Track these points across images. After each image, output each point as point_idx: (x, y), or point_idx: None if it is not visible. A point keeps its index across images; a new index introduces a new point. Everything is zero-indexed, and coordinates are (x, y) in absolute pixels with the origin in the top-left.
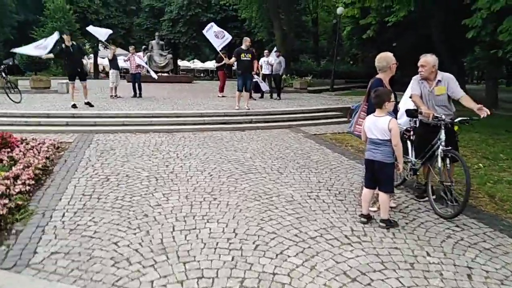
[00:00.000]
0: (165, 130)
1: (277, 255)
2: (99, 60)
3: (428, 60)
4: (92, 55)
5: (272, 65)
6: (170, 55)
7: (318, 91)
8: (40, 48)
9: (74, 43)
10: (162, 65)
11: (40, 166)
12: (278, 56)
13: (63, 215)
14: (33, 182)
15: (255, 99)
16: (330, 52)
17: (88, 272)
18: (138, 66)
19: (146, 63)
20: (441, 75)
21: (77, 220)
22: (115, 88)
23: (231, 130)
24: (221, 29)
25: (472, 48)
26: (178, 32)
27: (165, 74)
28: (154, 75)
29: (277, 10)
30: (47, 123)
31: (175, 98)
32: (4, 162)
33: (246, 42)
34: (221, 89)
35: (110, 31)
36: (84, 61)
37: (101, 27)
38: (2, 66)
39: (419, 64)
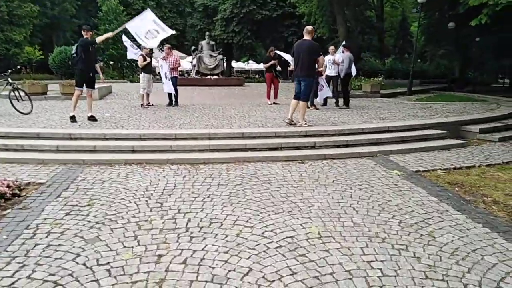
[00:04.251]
0: (188, 161)
1: None
2: (154, 63)
3: None
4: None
5: (338, 65)
6: (221, 56)
7: (392, 95)
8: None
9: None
10: (211, 66)
11: None
12: (343, 53)
13: None
14: None
15: (317, 109)
16: (396, 49)
17: None
18: (173, 68)
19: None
20: None
21: None
22: (147, 95)
23: (285, 161)
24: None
25: None
26: (232, 32)
27: (215, 77)
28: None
29: (341, 2)
30: (33, 147)
31: (217, 107)
32: None
33: (305, 32)
34: (269, 95)
35: (139, 53)
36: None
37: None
38: (9, 71)
39: None
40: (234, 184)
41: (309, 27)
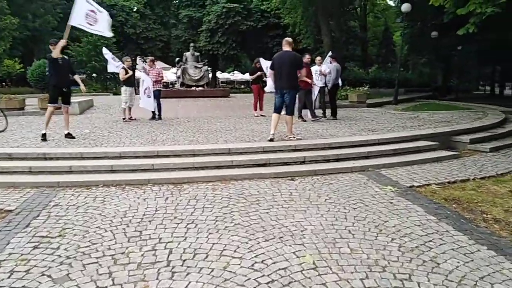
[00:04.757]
0: (171, 180)
1: None
2: (137, 74)
3: None
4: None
5: (325, 75)
6: (206, 67)
7: (378, 105)
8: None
9: (65, 56)
10: (196, 78)
11: None
12: (330, 63)
13: None
14: None
15: (305, 121)
16: (379, 59)
17: None
18: (156, 81)
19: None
20: None
21: None
22: (129, 109)
23: (274, 178)
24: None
25: None
26: (217, 43)
27: (200, 88)
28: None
29: (326, 13)
30: (3, 169)
31: (202, 119)
32: None
33: (286, 44)
34: (256, 107)
35: (121, 66)
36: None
37: (131, 44)
38: None
39: None
40: (220, 206)
41: (289, 39)
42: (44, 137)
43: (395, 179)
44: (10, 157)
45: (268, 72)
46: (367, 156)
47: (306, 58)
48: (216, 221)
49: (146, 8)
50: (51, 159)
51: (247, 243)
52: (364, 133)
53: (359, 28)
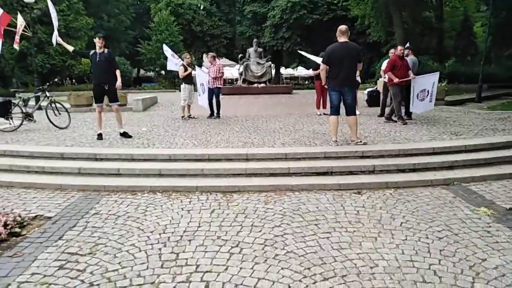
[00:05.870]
0: (220, 188)
1: None
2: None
3: None
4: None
5: None
6: (269, 63)
7: (459, 102)
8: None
9: (106, 50)
10: (259, 74)
11: None
12: (407, 56)
13: None
14: None
15: (405, 123)
16: (457, 51)
17: None
18: (216, 78)
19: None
20: None
21: None
22: (188, 106)
23: (337, 191)
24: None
25: None
26: (281, 38)
27: (262, 85)
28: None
29: (398, 3)
30: (54, 169)
31: (261, 118)
32: None
33: (344, 33)
34: (318, 105)
35: (180, 63)
36: (118, 75)
37: (196, 42)
38: (46, 84)
39: None
40: (271, 225)
41: (345, 26)
42: (100, 136)
43: (489, 197)
44: (62, 157)
45: (321, 67)
46: (451, 166)
47: (399, 50)
48: (265, 245)
49: (212, 6)
50: (101, 159)
51: (300, 281)
52: (446, 137)
53: (434, 19)
